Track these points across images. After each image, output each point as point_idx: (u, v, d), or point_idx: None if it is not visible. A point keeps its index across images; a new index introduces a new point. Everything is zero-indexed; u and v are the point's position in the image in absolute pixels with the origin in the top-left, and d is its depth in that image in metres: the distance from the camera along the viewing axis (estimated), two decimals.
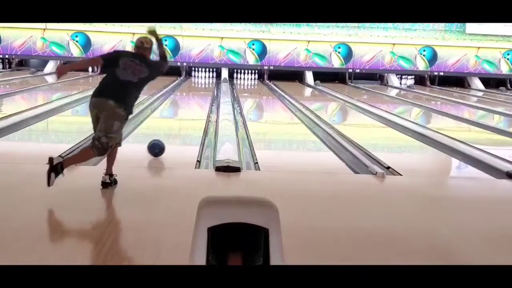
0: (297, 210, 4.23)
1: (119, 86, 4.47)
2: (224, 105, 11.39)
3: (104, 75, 4.68)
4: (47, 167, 5.42)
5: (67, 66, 4.63)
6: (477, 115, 12.59)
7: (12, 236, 3.47)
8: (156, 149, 5.96)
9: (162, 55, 4.86)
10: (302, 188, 5.01)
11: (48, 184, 4.19)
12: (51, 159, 4.25)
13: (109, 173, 4.60)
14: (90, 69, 19.52)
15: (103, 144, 4.40)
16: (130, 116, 4.66)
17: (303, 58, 19.61)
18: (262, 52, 19.44)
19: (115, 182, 4.64)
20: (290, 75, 19.72)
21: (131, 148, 6.73)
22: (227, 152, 6.09)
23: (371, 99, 14.71)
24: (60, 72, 4.76)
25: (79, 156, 4.58)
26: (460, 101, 15.23)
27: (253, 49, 19.41)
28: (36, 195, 4.37)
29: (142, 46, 4.65)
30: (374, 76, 20.66)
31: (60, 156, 4.48)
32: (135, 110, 7.64)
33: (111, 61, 4.59)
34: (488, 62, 20.25)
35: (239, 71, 19.78)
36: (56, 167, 4.22)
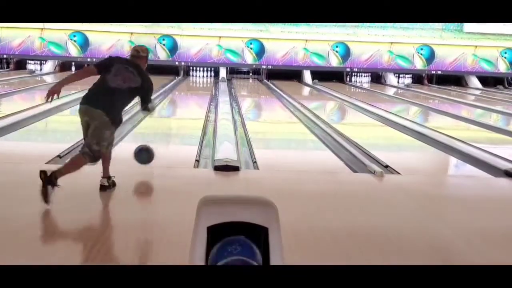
0: (296, 209, 4.23)
1: (107, 93, 4.38)
2: (223, 104, 11.38)
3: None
4: (45, 167, 5.42)
5: (57, 85, 4.35)
6: (475, 113, 12.60)
7: (11, 236, 3.47)
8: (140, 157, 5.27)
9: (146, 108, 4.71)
10: (301, 187, 5.01)
11: (46, 201, 4.01)
12: (44, 172, 4.08)
13: (106, 176, 4.55)
14: None
15: (94, 152, 4.35)
16: (122, 123, 4.63)
17: (301, 57, 19.61)
18: (260, 51, 19.43)
19: (114, 184, 4.59)
20: (288, 74, 19.72)
21: (130, 148, 6.72)
22: (226, 151, 6.10)
23: (369, 98, 14.72)
24: (51, 93, 4.30)
25: (71, 164, 4.42)
26: (458, 100, 15.25)
27: (251, 48, 19.41)
28: (35, 195, 4.36)
29: (137, 55, 4.59)
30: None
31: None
32: (134, 110, 7.66)
33: (105, 67, 4.50)
34: (486, 61, 20.27)
35: (237, 70, 19.80)
36: (50, 178, 4.07)
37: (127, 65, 4.50)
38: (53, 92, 4.29)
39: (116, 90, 4.39)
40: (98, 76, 4.54)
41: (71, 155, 5.79)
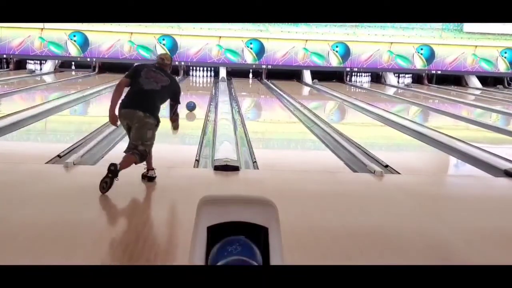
0: (295, 208, 4.23)
1: (144, 95, 4.71)
2: (223, 104, 11.38)
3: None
4: (45, 167, 5.43)
5: (110, 110, 4.74)
6: (475, 113, 12.61)
7: (11, 236, 3.47)
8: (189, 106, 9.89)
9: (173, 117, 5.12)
10: (301, 186, 5.01)
11: (105, 191, 4.39)
12: (114, 165, 4.45)
13: (150, 168, 4.92)
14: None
15: (141, 151, 4.67)
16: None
17: (301, 57, 19.61)
18: (260, 51, 19.43)
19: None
20: (288, 74, 19.73)
21: None
22: (225, 151, 6.10)
23: (369, 97, 14.72)
24: (113, 120, 4.77)
25: (124, 162, 4.65)
26: (458, 100, 15.25)
27: (251, 48, 19.41)
28: (35, 195, 4.36)
29: (162, 62, 4.95)
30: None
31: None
32: None
33: (134, 73, 4.83)
34: (486, 61, 20.28)
35: (237, 70, 19.80)
36: (116, 172, 4.44)
37: (154, 68, 4.89)
38: (113, 118, 4.75)
39: (150, 91, 4.73)
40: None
41: (71, 154, 5.79)
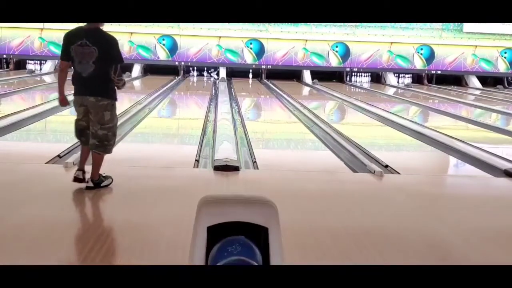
0: (295, 209, 4.23)
1: (86, 80, 4.37)
2: (222, 104, 11.38)
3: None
4: (45, 167, 5.43)
5: (58, 93, 4.55)
6: (474, 113, 12.61)
7: (11, 236, 3.47)
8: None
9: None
10: (301, 187, 5.01)
11: (107, 185, 4.55)
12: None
13: (81, 168, 4.55)
14: None
15: (101, 136, 4.42)
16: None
17: (301, 57, 19.61)
18: (260, 51, 19.42)
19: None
20: (288, 74, 19.72)
21: (130, 148, 6.73)
22: (225, 151, 6.10)
23: (369, 97, 14.72)
24: (63, 102, 4.58)
25: (95, 165, 4.52)
26: (458, 100, 15.25)
27: (251, 48, 19.40)
28: (34, 195, 4.36)
29: (90, 25, 4.44)
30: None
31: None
32: (133, 110, 7.65)
33: (67, 55, 4.45)
34: (486, 61, 20.27)
35: (237, 70, 19.80)
36: (82, 180, 4.45)
37: (81, 40, 4.36)
38: (63, 101, 4.58)
39: (89, 75, 4.36)
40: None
41: (71, 155, 5.79)
